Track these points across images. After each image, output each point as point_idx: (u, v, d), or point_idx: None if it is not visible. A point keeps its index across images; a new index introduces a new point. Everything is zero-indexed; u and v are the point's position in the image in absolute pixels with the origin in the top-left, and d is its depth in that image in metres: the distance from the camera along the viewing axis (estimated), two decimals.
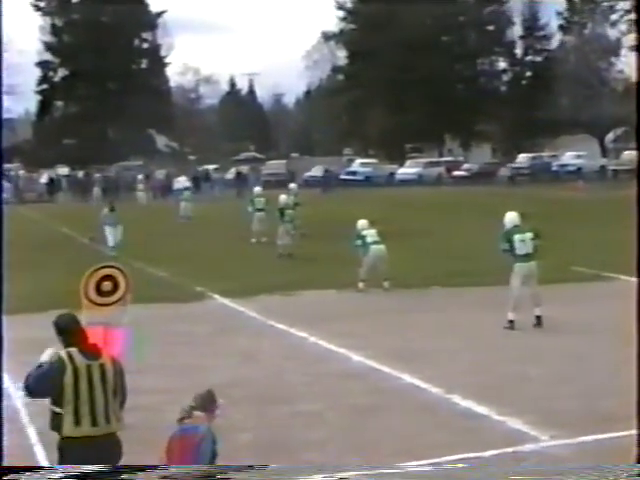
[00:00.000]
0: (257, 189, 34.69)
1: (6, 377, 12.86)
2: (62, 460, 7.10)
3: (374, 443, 10.35)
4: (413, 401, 12.05)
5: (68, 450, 7.05)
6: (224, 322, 17.75)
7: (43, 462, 9.87)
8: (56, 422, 7.10)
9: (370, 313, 18.42)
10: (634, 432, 10.23)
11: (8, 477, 6.04)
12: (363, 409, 11.71)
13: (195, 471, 6.36)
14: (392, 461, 9.60)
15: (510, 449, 10.07)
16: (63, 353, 7.12)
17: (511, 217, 16.94)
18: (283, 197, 29.55)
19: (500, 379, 12.81)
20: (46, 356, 7.23)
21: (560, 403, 11.65)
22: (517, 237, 16.49)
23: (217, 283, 21.87)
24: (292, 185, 36.53)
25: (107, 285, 7.89)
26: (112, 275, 7.98)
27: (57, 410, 7.07)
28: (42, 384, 7.08)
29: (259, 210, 32.04)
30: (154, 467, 6.67)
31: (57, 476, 6.38)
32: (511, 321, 16.34)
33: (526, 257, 16.46)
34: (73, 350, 7.12)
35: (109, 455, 7.10)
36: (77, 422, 7.01)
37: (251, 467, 6.98)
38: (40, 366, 7.20)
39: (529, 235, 16.61)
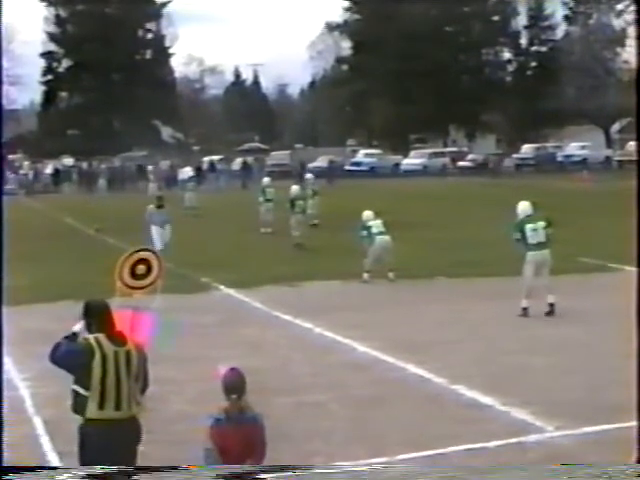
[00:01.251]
0: (266, 180, 34.55)
1: (12, 367, 12.93)
2: (83, 442, 7.21)
3: (379, 433, 10.38)
4: (418, 392, 12.08)
5: (90, 432, 7.16)
6: (229, 313, 17.78)
7: (49, 452, 9.93)
8: (80, 404, 7.19)
9: (375, 304, 18.44)
10: (637, 423, 10.27)
11: (8, 477, 6.06)
12: (368, 400, 11.74)
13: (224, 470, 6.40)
14: (397, 451, 9.64)
15: (515, 439, 10.09)
16: (92, 338, 7.22)
17: (524, 207, 17.19)
18: (295, 188, 29.49)
19: (505, 369, 12.83)
20: (78, 326, 7.32)
21: (565, 394, 11.67)
22: (529, 226, 16.69)
23: (222, 274, 21.90)
24: (309, 175, 36.52)
25: (141, 269, 8.04)
26: (147, 259, 8.11)
27: (82, 392, 7.16)
28: (69, 361, 7.20)
29: (268, 200, 32.06)
30: (173, 468, 6.71)
31: (58, 476, 6.40)
32: (525, 308, 16.53)
33: (538, 246, 16.64)
34: (101, 336, 7.22)
35: (129, 438, 7.26)
36: (101, 406, 7.12)
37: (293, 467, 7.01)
38: (72, 337, 7.32)
39: (541, 224, 16.79)
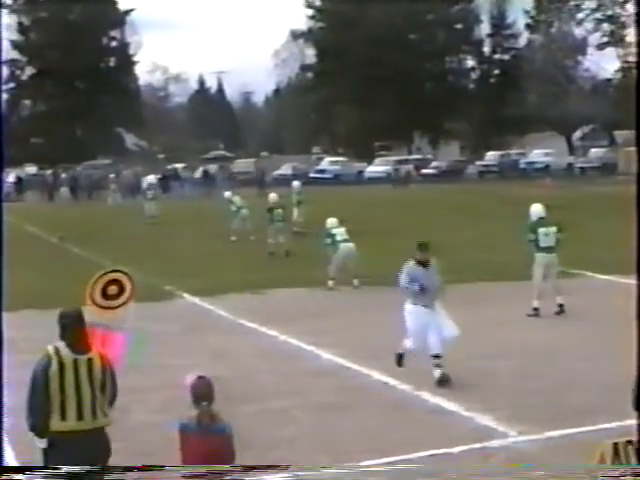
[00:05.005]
0: (228, 193, 34.21)
1: None
2: (48, 454, 7.11)
3: (343, 441, 10.39)
4: (382, 398, 12.11)
5: (53, 444, 7.07)
6: (194, 321, 17.73)
7: (11, 463, 9.83)
8: (39, 420, 7.10)
9: (340, 311, 18.46)
10: (601, 426, 10.37)
11: (8, 477, 6.01)
12: (332, 407, 11.75)
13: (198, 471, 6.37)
14: (361, 458, 9.65)
15: (478, 445, 10.15)
16: (50, 347, 7.16)
17: (536, 209, 17.66)
18: (272, 196, 29.29)
19: (470, 375, 12.89)
20: None
21: (529, 398, 11.74)
22: (542, 230, 17.24)
23: (186, 282, 21.83)
24: (295, 183, 36.01)
25: (113, 289, 7.97)
26: (118, 280, 8.04)
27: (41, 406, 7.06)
28: (32, 376, 7.09)
29: (240, 208, 31.98)
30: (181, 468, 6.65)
31: (58, 476, 6.33)
32: (536, 309, 17.10)
33: (548, 249, 17.22)
34: (60, 344, 7.16)
35: (94, 450, 7.14)
36: (63, 416, 7.03)
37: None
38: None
39: (553, 229, 17.37)
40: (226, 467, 6.56)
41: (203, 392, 6.77)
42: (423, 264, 12.79)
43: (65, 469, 6.39)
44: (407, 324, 12.79)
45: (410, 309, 12.74)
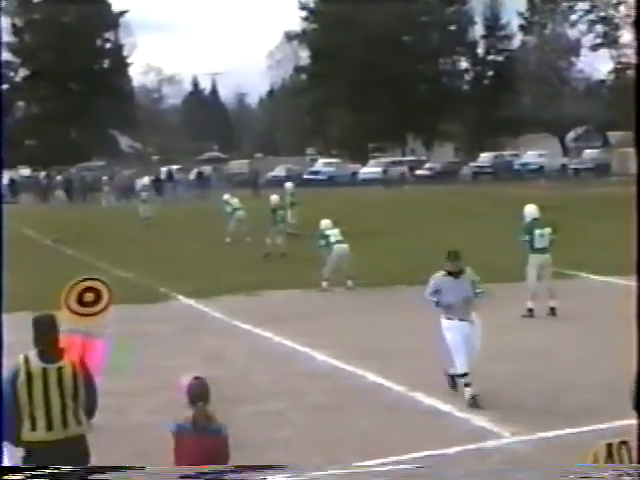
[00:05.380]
0: (226, 196, 34.11)
1: None
2: (24, 463, 7.01)
3: (338, 442, 10.42)
4: (377, 399, 12.13)
5: (29, 454, 7.00)
6: (189, 323, 17.74)
7: None
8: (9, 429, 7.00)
9: (334, 312, 18.48)
10: (595, 427, 10.41)
11: (8, 477, 6.00)
12: (327, 408, 11.77)
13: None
14: (356, 460, 9.68)
15: (473, 446, 10.18)
16: (20, 357, 7.07)
17: (530, 210, 17.78)
18: (274, 197, 29.27)
19: None
20: None
21: (522, 400, 11.79)
22: (537, 231, 17.35)
23: (182, 284, 21.84)
24: (288, 184, 36.00)
25: (89, 296, 7.90)
26: (95, 287, 7.97)
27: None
28: (5, 403, 6.98)
29: (237, 210, 31.97)
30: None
31: (58, 475, 6.30)
32: (530, 309, 17.18)
33: (542, 250, 17.32)
34: (31, 353, 7.06)
35: (68, 459, 6.95)
36: (33, 427, 6.95)
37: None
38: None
39: (548, 230, 17.46)
40: (217, 467, 6.55)
41: (199, 392, 6.79)
42: (453, 274, 12.00)
43: (65, 469, 6.38)
44: (447, 341, 11.98)
45: (445, 324, 11.96)
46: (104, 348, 7.66)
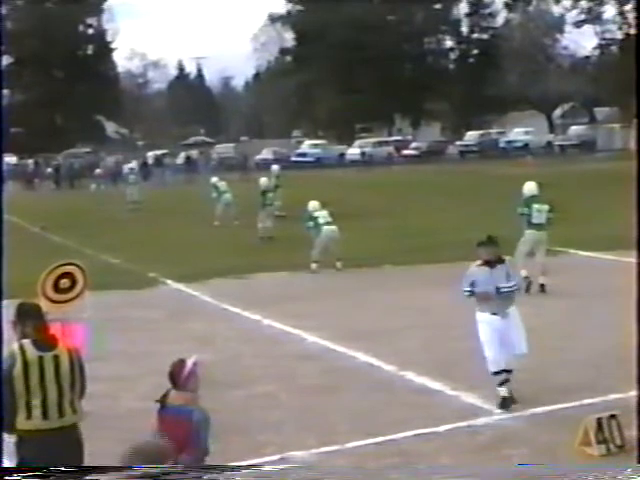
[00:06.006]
0: (214, 179, 34.11)
1: None
2: (18, 451, 7.02)
3: (330, 422, 10.45)
4: (368, 379, 12.17)
5: (22, 444, 6.98)
6: (178, 307, 17.75)
7: None
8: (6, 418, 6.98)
9: (323, 294, 18.51)
10: (585, 402, 10.47)
11: (8, 477, 5.99)
12: (318, 389, 11.80)
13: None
14: (348, 439, 9.72)
15: (464, 423, 10.23)
16: (15, 345, 7.02)
17: (530, 187, 17.96)
18: (263, 180, 29.29)
19: (453, 355, 12.96)
20: None
21: (513, 376, 11.81)
22: (536, 207, 17.52)
23: (170, 268, 21.83)
24: (274, 167, 36.04)
25: (65, 282, 7.87)
26: (70, 272, 7.95)
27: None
28: (1, 392, 6.94)
29: (223, 193, 31.99)
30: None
31: (58, 475, 6.31)
32: (526, 277, 17.06)
33: (539, 226, 17.48)
34: (26, 342, 7.02)
35: (63, 448, 7.01)
36: (29, 416, 6.92)
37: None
38: None
39: (546, 207, 17.61)
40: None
41: (170, 373, 6.78)
42: (489, 264, 10.93)
43: (66, 469, 6.38)
44: (480, 336, 11.04)
45: (479, 318, 11.05)
46: (84, 333, 7.64)
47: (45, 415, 6.96)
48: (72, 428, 7.13)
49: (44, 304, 7.68)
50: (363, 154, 69.99)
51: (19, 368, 6.92)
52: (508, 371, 10.85)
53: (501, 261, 11.01)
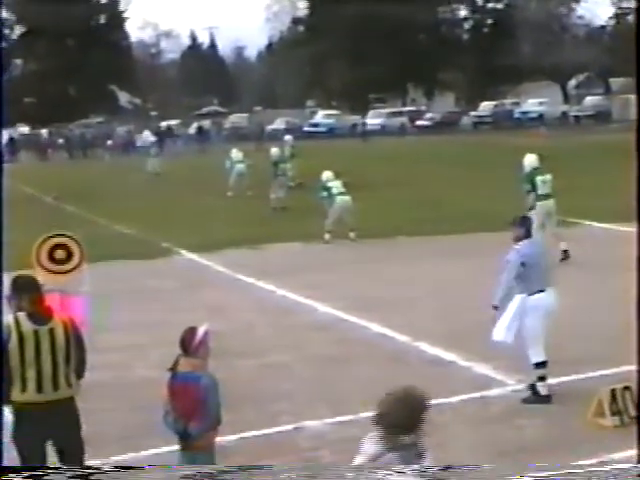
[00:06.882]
0: (234, 151, 33.86)
1: None
2: (14, 426, 7.02)
3: (343, 393, 10.45)
4: (381, 350, 12.16)
5: (17, 417, 6.99)
6: (191, 277, 17.76)
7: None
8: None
9: (337, 264, 18.49)
10: (598, 373, 10.44)
11: (8, 477, 5.99)
12: (331, 359, 11.81)
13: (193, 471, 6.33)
14: (361, 410, 9.72)
15: (478, 394, 10.22)
16: (10, 318, 6.99)
17: (530, 160, 17.92)
18: (274, 150, 29.26)
19: (467, 326, 12.91)
20: None
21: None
22: (539, 178, 17.51)
23: (183, 238, 21.85)
24: (287, 137, 36.01)
25: (60, 253, 7.84)
26: (65, 244, 7.92)
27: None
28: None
29: (239, 162, 31.92)
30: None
31: (59, 475, 6.30)
32: (565, 250, 17.19)
33: (547, 196, 17.49)
34: (21, 315, 6.99)
35: (57, 420, 7.02)
36: (23, 389, 6.92)
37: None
38: None
39: (549, 177, 17.66)
40: (218, 467, 6.52)
41: (180, 340, 6.79)
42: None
43: (67, 469, 6.38)
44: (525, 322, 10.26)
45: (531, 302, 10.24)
46: (83, 305, 7.62)
47: (39, 388, 6.94)
48: (68, 401, 7.11)
49: (40, 274, 7.66)
50: (364, 124, 69.57)
51: (14, 341, 6.90)
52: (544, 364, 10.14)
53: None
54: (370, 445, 5.01)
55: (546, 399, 9.91)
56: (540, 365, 10.10)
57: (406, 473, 4.89)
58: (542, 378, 10.06)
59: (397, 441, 4.92)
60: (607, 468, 6.12)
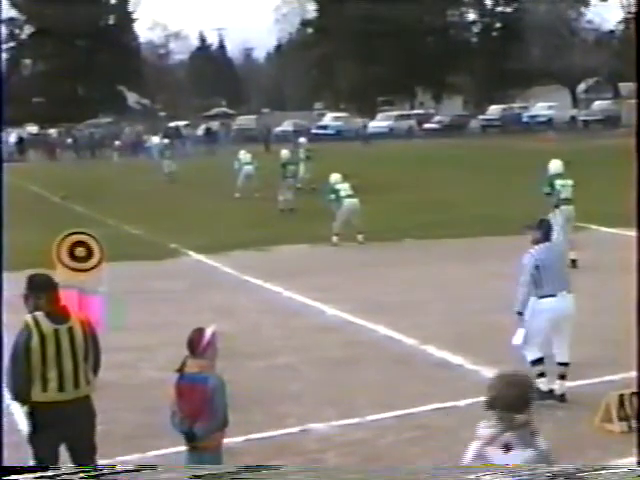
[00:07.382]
0: (242, 152, 33.75)
1: None
2: (31, 423, 7.02)
3: (350, 395, 10.44)
4: (388, 353, 12.15)
5: (36, 416, 6.98)
6: (199, 278, 17.77)
7: None
8: (21, 389, 6.96)
9: (344, 267, 18.49)
10: (606, 378, 10.42)
11: (8, 477, 5.99)
12: (338, 362, 11.80)
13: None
14: (368, 412, 9.72)
15: (484, 397, 10.18)
16: (29, 318, 6.97)
17: (555, 165, 18.22)
18: (284, 152, 29.34)
19: (474, 329, 12.93)
20: None
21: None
22: (559, 182, 17.73)
23: (191, 239, 21.87)
24: (302, 139, 36.11)
25: (81, 251, 7.85)
26: (85, 242, 7.93)
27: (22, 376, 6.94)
28: (13, 349, 6.94)
29: (247, 164, 31.92)
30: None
31: (59, 476, 6.31)
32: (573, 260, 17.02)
33: (567, 201, 17.63)
34: (39, 314, 6.98)
35: (79, 419, 7.05)
36: (44, 388, 6.91)
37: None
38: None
39: (570, 182, 17.86)
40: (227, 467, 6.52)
41: (187, 342, 6.80)
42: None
43: (65, 469, 6.39)
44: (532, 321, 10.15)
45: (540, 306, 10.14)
46: (100, 305, 7.63)
47: (61, 387, 6.95)
48: (85, 399, 7.13)
49: (60, 270, 7.67)
50: (365, 126, 69.53)
51: (36, 341, 6.88)
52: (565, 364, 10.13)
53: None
54: (485, 429, 5.29)
55: (547, 395, 9.89)
56: (536, 362, 10.15)
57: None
58: (541, 375, 10.08)
59: (512, 421, 5.18)
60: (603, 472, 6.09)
